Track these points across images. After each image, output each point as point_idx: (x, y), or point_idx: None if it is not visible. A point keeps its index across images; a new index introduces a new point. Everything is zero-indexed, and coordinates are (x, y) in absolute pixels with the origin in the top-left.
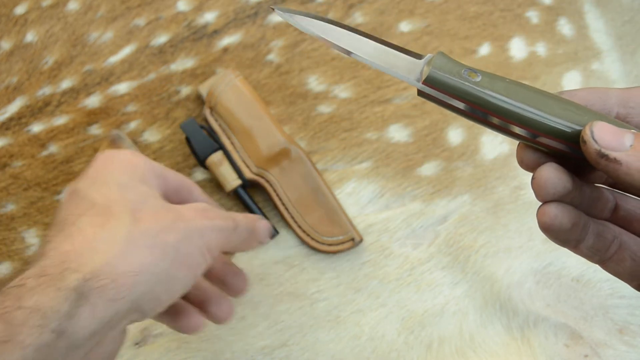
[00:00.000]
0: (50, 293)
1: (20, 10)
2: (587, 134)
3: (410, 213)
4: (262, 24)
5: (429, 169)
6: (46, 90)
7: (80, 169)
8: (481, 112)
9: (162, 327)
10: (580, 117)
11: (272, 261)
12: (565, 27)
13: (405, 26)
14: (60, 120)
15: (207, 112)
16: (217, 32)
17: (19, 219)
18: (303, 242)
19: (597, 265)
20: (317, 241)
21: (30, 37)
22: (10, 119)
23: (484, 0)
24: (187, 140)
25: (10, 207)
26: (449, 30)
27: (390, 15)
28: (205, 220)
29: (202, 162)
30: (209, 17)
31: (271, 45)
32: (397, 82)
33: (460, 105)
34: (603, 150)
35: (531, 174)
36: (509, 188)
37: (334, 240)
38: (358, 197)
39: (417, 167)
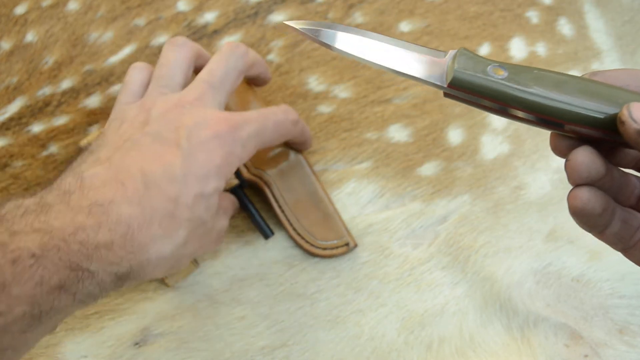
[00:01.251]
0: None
1: (20, 10)
2: (625, 115)
3: (410, 213)
4: (262, 24)
5: (429, 169)
6: (46, 90)
7: None
8: (511, 108)
9: (162, 327)
10: (615, 100)
11: (272, 261)
12: (565, 27)
13: (405, 26)
14: (60, 120)
15: None
16: (217, 32)
17: None
18: (297, 244)
19: (597, 265)
20: (312, 245)
21: (30, 37)
22: (10, 119)
23: (484, 0)
24: None
25: None
26: (449, 30)
27: (390, 15)
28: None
29: None
30: (209, 17)
31: (271, 45)
32: (397, 82)
33: (489, 103)
34: None
35: (564, 161)
36: (509, 188)
37: (329, 244)
38: (358, 197)
39: (417, 167)
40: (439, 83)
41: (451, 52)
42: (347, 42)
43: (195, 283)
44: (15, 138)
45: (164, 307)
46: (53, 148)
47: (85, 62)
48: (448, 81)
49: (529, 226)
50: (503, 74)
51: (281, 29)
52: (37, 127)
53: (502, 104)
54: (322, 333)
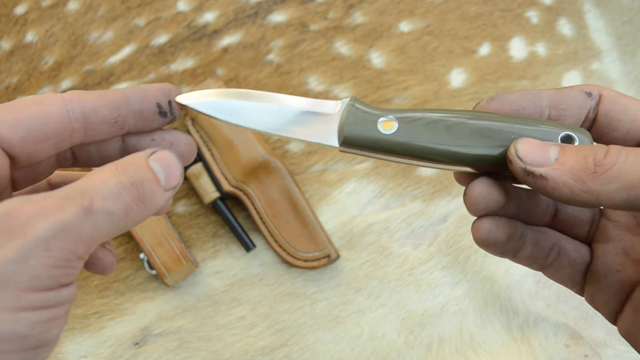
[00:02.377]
0: None
1: (20, 10)
2: (512, 154)
3: (410, 213)
4: (262, 24)
5: (429, 169)
6: (46, 90)
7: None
8: (406, 159)
9: (162, 327)
10: (507, 136)
11: (272, 261)
12: (565, 27)
13: (405, 26)
14: None
15: (188, 123)
16: (217, 32)
17: None
18: (279, 256)
19: None
20: (293, 256)
21: (30, 37)
22: None
23: (484, 0)
24: None
25: None
26: (449, 30)
27: (390, 15)
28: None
29: None
30: (209, 17)
31: (271, 45)
32: (397, 82)
33: (384, 157)
34: (529, 167)
35: None
36: None
37: (310, 256)
38: (358, 197)
39: (417, 167)
40: (331, 144)
41: (343, 103)
42: (235, 113)
43: (195, 283)
44: None
45: (164, 307)
46: None
47: (85, 62)
48: (341, 140)
49: None
50: (394, 126)
51: (281, 29)
52: None
53: (396, 156)
54: (322, 333)
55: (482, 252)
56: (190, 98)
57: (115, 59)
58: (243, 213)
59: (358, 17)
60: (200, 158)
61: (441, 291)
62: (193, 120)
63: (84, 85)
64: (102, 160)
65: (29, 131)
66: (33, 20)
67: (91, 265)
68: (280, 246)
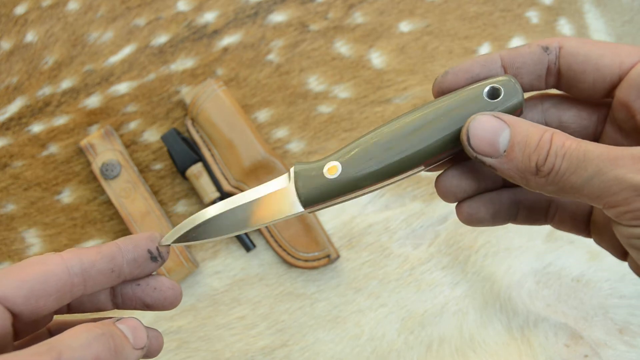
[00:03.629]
0: None
1: (20, 10)
2: (463, 138)
3: (410, 213)
4: (262, 24)
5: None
6: (46, 90)
7: (80, 169)
8: (367, 190)
9: (161, 327)
10: (460, 119)
11: (272, 261)
12: (565, 27)
13: (405, 26)
14: (60, 120)
15: (188, 122)
16: (217, 32)
17: (19, 219)
18: (279, 256)
19: (597, 265)
20: (293, 257)
21: (30, 37)
22: (11, 119)
23: (484, 0)
24: (168, 151)
25: (10, 207)
26: (449, 30)
27: (390, 15)
28: None
29: (182, 173)
30: (209, 17)
31: (271, 45)
32: (397, 82)
33: (344, 198)
34: (479, 157)
35: None
36: None
37: (310, 256)
38: (358, 197)
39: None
40: (298, 211)
41: (291, 172)
42: (208, 231)
43: (195, 283)
44: (15, 138)
45: None
46: (53, 148)
47: (85, 62)
48: (302, 204)
49: (529, 226)
50: (338, 168)
51: (281, 29)
52: (37, 127)
53: (357, 192)
54: (322, 333)
55: (482, 252)
56: (169, 238)
57: (115, 59)
58: None
59: (358, 17)
60: (200, 158)
61: (441, 291)
62: (193, 120)
63: (84, 86)
64: (94, 307)
65: (32, 290)
66: (33, 20)
67: None
68: (280, 246)
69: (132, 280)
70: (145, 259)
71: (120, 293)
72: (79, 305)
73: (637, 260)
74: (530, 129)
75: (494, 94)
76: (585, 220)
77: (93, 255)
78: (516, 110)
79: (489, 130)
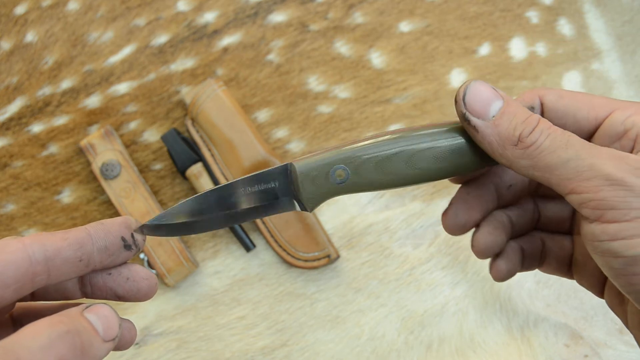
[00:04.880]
0: None
1: (20, 10)
2: (459, 95)
3: (410, 213)
4: (262, 24)
5: None
6: (46, 90)
7: (80, 169)
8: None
9: (162, 327)
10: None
11: (272, 261)
12: (565, 27)
13: (405, 26)
14: (60, 120)
15: (188, 122)
16: (217, 32)
17: (19, 219)
18: (279, 256)
19: None
20: (293, 257)
21: (30, 37)
22: (11, 119)
23: (484, 0)
24: (168, 151)
25: (10, 207)
26: (449, 30)
27: (390, 15)
28: None
29: (182, 173)
30: (209, 17)
31: (271, 45)
32: (397, 82)
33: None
34: (467, 114)
35: None
36: None
37: (310, 256)
38: (358, 197)
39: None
40: (297, 207)
41: (289, 170)
42: (196, 224)
43: (195, 283)
44: (15, 138)
45: (164, 307)
46: (53, 148)
47: (85, 62)
48: (302, 208)
49: None
50: (345, 175)
51: (281, 29)
52: (37, 127)
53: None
54: (322, 333)
55: None
56: (149, 225)
57: (115, 59)
58: None
59: (358, 17)
60: (200, 158)
61: (441, 291)
62: (193, 120)
63: (84, 86)
64: (60, 295)
65: None
66: (33, 20)
67: None
68: (280, 246)
69: (102, 269)
70: (117, 247)
71: (89, 282)
72: (44, 293)
73: (601, 267)
74: (521, 107)
75: None
76: (567, 262)
77: (59, 242)
78: None
79: (485, 94)
